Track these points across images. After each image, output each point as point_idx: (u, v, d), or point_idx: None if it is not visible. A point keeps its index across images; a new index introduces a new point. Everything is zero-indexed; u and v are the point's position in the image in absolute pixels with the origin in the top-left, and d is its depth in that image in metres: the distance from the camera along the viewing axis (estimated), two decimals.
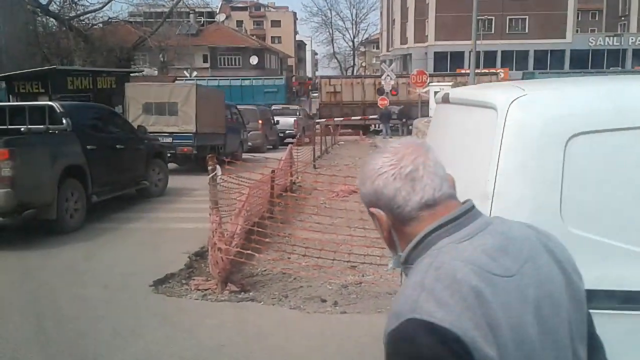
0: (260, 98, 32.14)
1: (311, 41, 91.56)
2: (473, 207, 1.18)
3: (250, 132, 20.47)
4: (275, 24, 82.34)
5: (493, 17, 48.28)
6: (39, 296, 5.55)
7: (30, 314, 5.08)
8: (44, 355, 4.22)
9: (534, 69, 48.24)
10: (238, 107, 19.67)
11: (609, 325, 1.51)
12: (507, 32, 50.51)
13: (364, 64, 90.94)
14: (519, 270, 1.09)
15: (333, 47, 75.93)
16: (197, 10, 44.44)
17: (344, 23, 76.66)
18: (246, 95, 32.80)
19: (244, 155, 17.44)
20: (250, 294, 5.58)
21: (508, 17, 50.36)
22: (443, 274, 1.04)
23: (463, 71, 38.49)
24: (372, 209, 1.21)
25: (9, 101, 14.87)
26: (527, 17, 50.26)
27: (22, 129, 8.65)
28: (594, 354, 1.24)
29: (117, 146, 9.71)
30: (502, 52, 50.15)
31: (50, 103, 9.27)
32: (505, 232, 1.15)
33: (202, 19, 61.40)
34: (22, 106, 9.79)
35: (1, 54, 25.14)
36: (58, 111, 8.65)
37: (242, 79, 37.32)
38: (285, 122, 25.16)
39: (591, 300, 1.83)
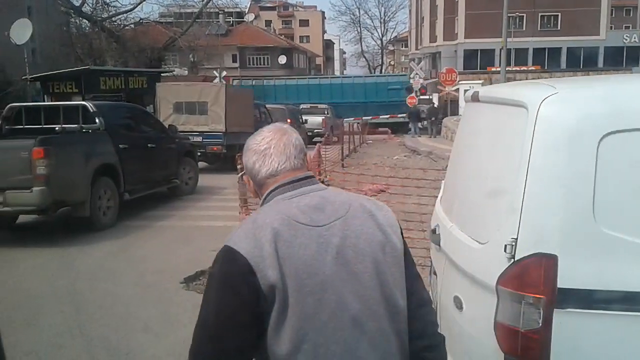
0: (384, 95, 32.49)
1: (339, 40, 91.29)
2: (306, 177, 1.50)
3: None
4: (304, 23, 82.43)
5: (524, 14, 47.48)
6: (73, 292, 5.67)
7: (65, 309, 5.20)
8: (78, 348, 4.32)
9: (566, 67, 47.38)
10: (267, 106, 19.79)
11: None
12: (538, 29, 49.63)
13: (392, 63, 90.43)
14: (327, 224, 1.39)
15: (361, 46, 75.69)
16: (226, 10, 44.77)
17: (373, 21, 76.46)
18: (370, 93, 33.16)
19: None
20: None
21: (540, 14, 49.49)
22: (259, 219, 1.40)
23: (494, 69, 38.05)
24: (245, 176, 1.65)
25: (43, 101, 15.22)
26: (559, 13, 49.31)
27: (57, 128, 8.85)
28: (417, 308, 1.49)
29: (149, 145, 9.86)
30: (534, 49, 49.31)
31: (83, 103, 9.46)
32: (326, 196, 1.46)
33: (231, 19, 61.88)
34: (56, 106, 10.01)
35: (36, 55, 25.74)
36: (91, 111, 8.82)
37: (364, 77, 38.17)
38: (314, 121, 25.20)
39: (629, 302, 1.82)
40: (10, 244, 7.55)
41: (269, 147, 1.51)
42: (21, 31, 17.04)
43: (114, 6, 29.13)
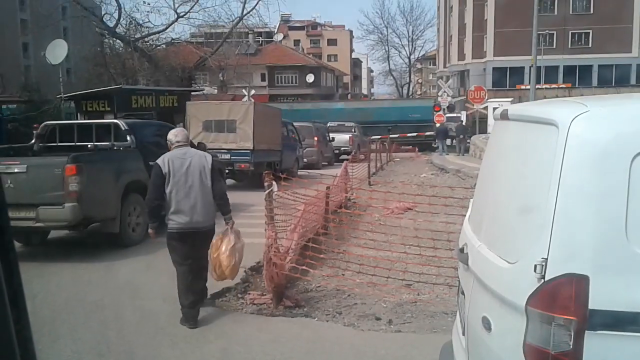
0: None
1: (367, 58, 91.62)
2: (185, 144, 5.42)
3: (306, 149, 20.65)
4: (332, 42, 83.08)
5: (555, 32, 47.02)
6: (101, 307, 5.74)
7: (93, 324, 5.26)
8: None
9: (598, 85, 46.64)
10: (294, 124, 19.92)
11: None
12: (569, 46, 49.08)
13: (420, 81, 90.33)
14: (184, 161, 5.20)
15: (389, 64, 75.79)
16: (255, 30, 45.46)
17: (400, 40, 76.29)
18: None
19: (300, 172, 17.59)
20: (305, 309, 5.59)
21: (570, 32, 48.97)
22: (165, 155, 5.32)
23: (523, 87, 37.71)
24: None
25: (77, 119, 15.58)
26: (590, 31, 48.72)
27: (89, 146, 9.03)
28: (213, 186, 5.32)
29: None
30: (564, 67, 48.74)
31: (115, 121, 9.67)
32: (186, 152, 5.34)
33: (261, 39, 62.68)
34: (89, 124, 10.24)
35: (71, 75, 26.44)
36: (123, 129, 8.99)
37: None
38: (341, 138, 25.25)
39: None
40: (42, 258, 7.69)
41: (177, 134, 5.47)
42: (57, 52, 17.56)
43: (147, 27, 29.84)
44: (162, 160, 5.14)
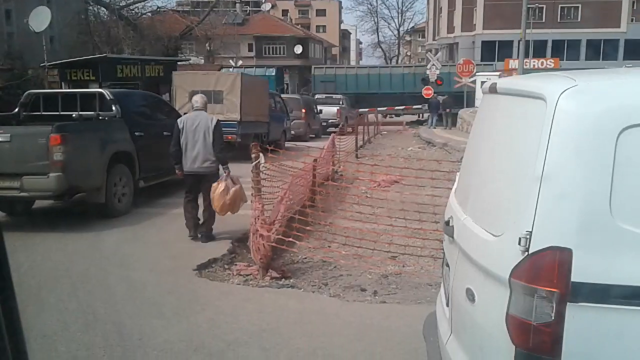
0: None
1: (356, 30, 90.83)
2: (201, 109, 7.11)
3: (294, 121, 20.56)
4: (321, 13, 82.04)
5: (544, 5, 46.84)
6: (87, 277, 5.75)
7: (79, 294, 5.27)
8: (91, 333, 4.38)
9: (586, 59, 46.73)
10: (282, 96, 19.78)
11: None
12: (558, 20, 48.93)
13: (409, 53, 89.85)
14: (195, 121, 6.92)
15: (378, 36, 75.22)
16: None
17: (390, 12, 76.05)
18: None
19: (287, 144, 17.55)
20: (291, 280, 5.64)
21: (560, 5, 48.79)
22: (182, 116, 7.49)
23: (512, 61, 37.65)
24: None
25: (61, 88, 15.35)
26: (579, 5, 48.58)
27: (74, 115, 8.92)
28: (214, 143, 6.89)
29: (164, 133, 9.88)
30: (553, 41, 48.65)
31: (100, 90, 9.54)
32: (198, 114, 7.01)
33: (248, 9, 61.82)
34: (73, 93, 10.10)
35: (54, 43, 25.90)
36: (108, 98, 8.88)
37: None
38: (328, 111, 25.16)
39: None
40: (27, 228, 7.65)
41: (197, 100, 7.23)
42: (40, 19, 17.17)
43: None
44: (180, 119, 7.13)
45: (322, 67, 38.74)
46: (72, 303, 5.03)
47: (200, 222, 7.13)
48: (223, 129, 15.70)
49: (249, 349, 4.14)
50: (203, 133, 6.85)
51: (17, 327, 0.80)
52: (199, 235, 7.05)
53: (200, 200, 7.13)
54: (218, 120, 7.09)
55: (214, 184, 6.71)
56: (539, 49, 45.80)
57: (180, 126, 6.92)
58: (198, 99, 7.23)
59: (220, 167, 6.99)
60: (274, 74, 35.11)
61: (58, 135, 7.28)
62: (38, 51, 17.76)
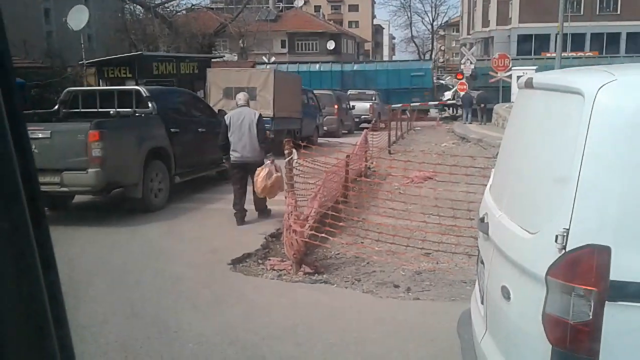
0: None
1: (389, 25, 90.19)
2: (244, 105, 7.93)
3: (326, 117, 20.57)
4: (353, 8, 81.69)
5: None
6: (125, 270, 5.88)
7: (118, 287, 5.40)
8: (129, 325, 4.49)
9: (625, 53, 45.38)
10: (315, 91, 19.80)
11: None
12: (597, 13, 47.56)
13: (442, 48, 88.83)
14: (240, 116, 7.74)
15: (411, 31, 74.63)
16: None
17: (423, 6, 75.25)
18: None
19: (320, 140, 17.57)
20: (324, 276, 5.66)
21: None
22: (228, 113, 8.21)
23: (549, 55, 36.87)
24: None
25: (99, 85, 15.69)
26: None
27: (111, 112, 9.11)
28: (258, 134, 7.70)
29: (199, 129, 10.05)
30: (592, 34, 47.40)
31: (137, 87, 9.71)
32: (242, 110, 7.84)
33: (281, 5, 62.01)
34: (111, 90, 10.31)
35: (92, 41, 26.47)
36: (144, 95, 9.04)
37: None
38: (361, 107, 25.08)
39: None
40: (66, 223, 7.85)
41: (240, 98, 8.04)
42: (78, 17, 17.56)
43: None
44: (227, 116, 7.96)
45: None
46: (110, 296, 5.15)
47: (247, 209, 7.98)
48: None
49: (283, 343, 4.18)
50: (248, 126, 7.64)
51: (63, 319, 0.84)
52: (245, 221, 7.82)
53: (249, 188, 7.73)
54: (260, 114, 7.88)
55: (259, 168, 7.26)
56: (577, 43, 44.72)
57: (228, 122, 7.71)
58: (241, 97, 7.98)
59: (265, 156, 7.76)
60: (430, 67, 34.70)
61: (96, 132, 7.45)
62: (76, 49, 18.18)
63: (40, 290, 0.79)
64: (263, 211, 8.01)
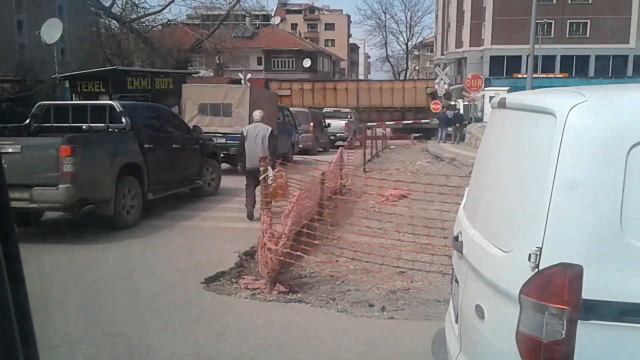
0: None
1: (364, 44, 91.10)
2: (259, 121, 9.33)
3: (302, 134, 20.60)
4: (329, 27, 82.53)
5: (553, 21, 46.81)
6: (96, 289, 5.75)
7: (86, 306, 5.27)
8: (98, 346, 4.37)
9: (594, 75, 46.59)
10: (290, 109, 19.83)
11: None
12: (567, 36, 48.89)
13: (417, 68, 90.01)
14: (256, 129, 9.13)
15: (386, 50, 75.43)
16: (252, 13, 45.11)
17: (398, 26, 76.25)
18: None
19: (295, 157, 17.57)
20: (298, 295, 5.62)
21: (568, 21, 48.77)
22: (246, 127, 9.99)
23: (520, 76, 37.62)
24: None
25: (71, 100, 15.48)
26: (588, 21, 48.53)
27: (84, 127, 8.98)
28: (270, 142, 9.03)
29: (173, 145, 9.97)
30: (562, 56, 48.62)
31: (110, 102, 9.60)
32: (257, 125, 9.24)
33: (258, 22, 62.17)
34: (84, 105, 10.17)
35: (65, 55, 26.20)
36: (118, 110, 8.93)
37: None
38: (337, 125, 25.17)
39: None
40: (35, 240, 7.67)
41: (256, 114, 9.48)
42: (52, 31, 17.36)
43: (143, 7, 29.55)
44: (244, 129, 9.37)
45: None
46: (80, 315, 5.03)
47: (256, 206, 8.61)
48: (231, 142, 16.19)
49: None
50: (261, 139, 8.98)
51: (32, 338, 0.81)
52: (255, 216, 8.60)
53: (257, 190, 7.83)
54: (272, 129, 9.31)
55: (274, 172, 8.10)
56: (547, 65, 45.77)
57: (245, 134, 9.12)
58: (257, 114, 9.47)
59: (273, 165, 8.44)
60: None
61: (68, 147, 7.32)
62: (49, 63, 17.95)
63: (7, 306, 0.76)
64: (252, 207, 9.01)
